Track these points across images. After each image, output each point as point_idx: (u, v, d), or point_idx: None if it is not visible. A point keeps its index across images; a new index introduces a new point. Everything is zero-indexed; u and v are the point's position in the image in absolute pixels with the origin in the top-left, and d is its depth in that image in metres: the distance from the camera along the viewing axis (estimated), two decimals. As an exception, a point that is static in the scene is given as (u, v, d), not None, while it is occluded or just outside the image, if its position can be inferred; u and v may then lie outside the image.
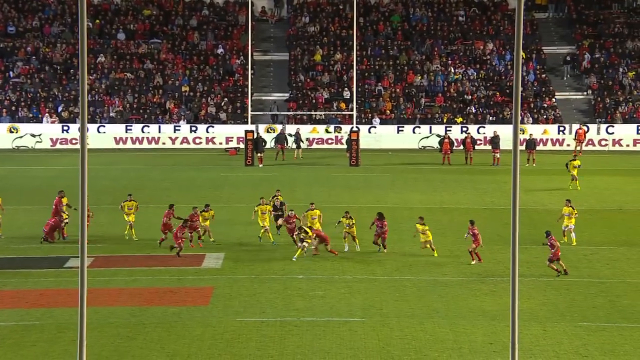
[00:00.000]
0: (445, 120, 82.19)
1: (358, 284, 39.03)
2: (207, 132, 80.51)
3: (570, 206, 45.71)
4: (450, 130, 78.22)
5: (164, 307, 36.10)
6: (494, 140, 71.67)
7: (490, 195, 58.78)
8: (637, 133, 78.88)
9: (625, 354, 31.26)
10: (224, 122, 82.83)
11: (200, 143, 79.89)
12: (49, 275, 40.34)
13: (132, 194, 48.04)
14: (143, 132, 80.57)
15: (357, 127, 75.20)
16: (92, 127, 79.26)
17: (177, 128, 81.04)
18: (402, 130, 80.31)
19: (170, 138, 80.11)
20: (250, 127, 75.80)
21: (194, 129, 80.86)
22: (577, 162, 61.00)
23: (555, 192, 60.38)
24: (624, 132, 79.08)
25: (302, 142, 75.47)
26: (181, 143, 79.91)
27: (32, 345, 31.81)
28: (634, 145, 78.29)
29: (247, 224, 50.56)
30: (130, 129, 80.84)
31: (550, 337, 32.64)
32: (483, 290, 38.29)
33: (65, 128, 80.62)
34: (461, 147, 73.38)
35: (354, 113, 78.63)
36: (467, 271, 41.30)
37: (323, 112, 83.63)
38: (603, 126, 79.69)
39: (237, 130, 79.07)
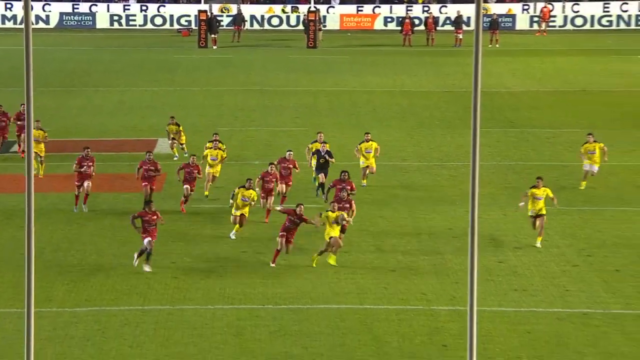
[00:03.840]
0: (406, 0, 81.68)
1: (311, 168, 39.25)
2: (158, 11, 79.63)
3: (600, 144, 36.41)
4: (411, 10, 77.89)
5: (116, 193, 36.27)
6: (457, 20, 71.59)
7: (452, 77, 58.91)
8: (604, 11, 78.88)
9: (586, 238, 31.93)
10: (176, 1, 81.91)
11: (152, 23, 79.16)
12: (-5, 160, 40.18)
13: (39, 120, 37.97)
14: (90, 10, 79.53)
15: (315, 7, 74.61)
16: (36, 5, 78.08)
17: (126, 7, 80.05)
18: (362, 10, 79.86)
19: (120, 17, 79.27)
20: (203, 6, 75.01)
21: (144, 8, 79.91)
22: None
23: (518, 73, 60.62)
24: (590, 10, 79.01)
25: (324, 25, 73.80)
26: (131, 23, 79.10)
27: (-21, 233, 31.93)
28: (600, 23, 78.43)
29: (202, 107, 50.56)
30: (77, 8, 79.76)
31: (511, 221, 33.17)
32: (444, 176, 38.70)
33: (8, 6, 79.36)
34: (422, 27, 73.21)
35: (312, -8, 77.90)
36: (428, 156, 41.66)
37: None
38: (568, 4, 79.55)
39: (190, 10, 78.27)
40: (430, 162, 40.70)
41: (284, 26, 78.49)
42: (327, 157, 35.16)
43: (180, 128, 40.43)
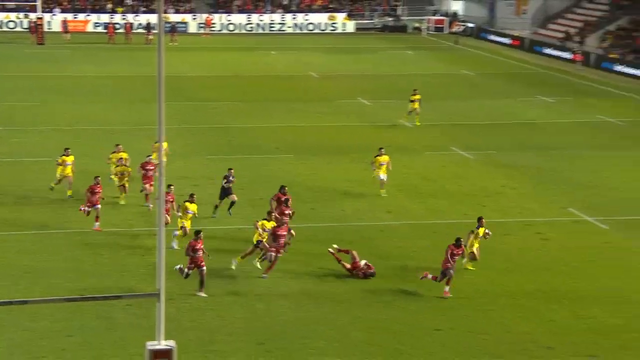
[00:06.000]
0: (111, 10, 79.54)
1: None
2: None
3: (385, 154, 29.72)
4: (113, 18, 76.04)
5: None
6: (147, 26, 70.74)
7: (145, 66, 58.19)
8: (247, 20, 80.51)
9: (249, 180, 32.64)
10: None
11: None
12: None
13: None
14: None
15: (42, 14, 71.14)
16: None
17: None
18: (77, 17, 76.97)
19: None
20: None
21: None
22: (417, 97, 40.55)
23: (191, 63, 60.73)
24: (238, 20, 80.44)
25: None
26: None
27: None
28: (245, 29, 79.99)
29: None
30: None
31: (190, 167, 33.46)
32: (141, 136, 38.23)
33: None
34: (122, 30, 71.80)
35: (38, 3, 74.14)
36: (129, 122, 41.16)
37: (14, 3, 78.03)
38: (224, 15, 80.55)
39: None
40: (131, 126, 40.26)
41: (19, 28, 74.58)
42: (231, 181, 27.53)
43: None
